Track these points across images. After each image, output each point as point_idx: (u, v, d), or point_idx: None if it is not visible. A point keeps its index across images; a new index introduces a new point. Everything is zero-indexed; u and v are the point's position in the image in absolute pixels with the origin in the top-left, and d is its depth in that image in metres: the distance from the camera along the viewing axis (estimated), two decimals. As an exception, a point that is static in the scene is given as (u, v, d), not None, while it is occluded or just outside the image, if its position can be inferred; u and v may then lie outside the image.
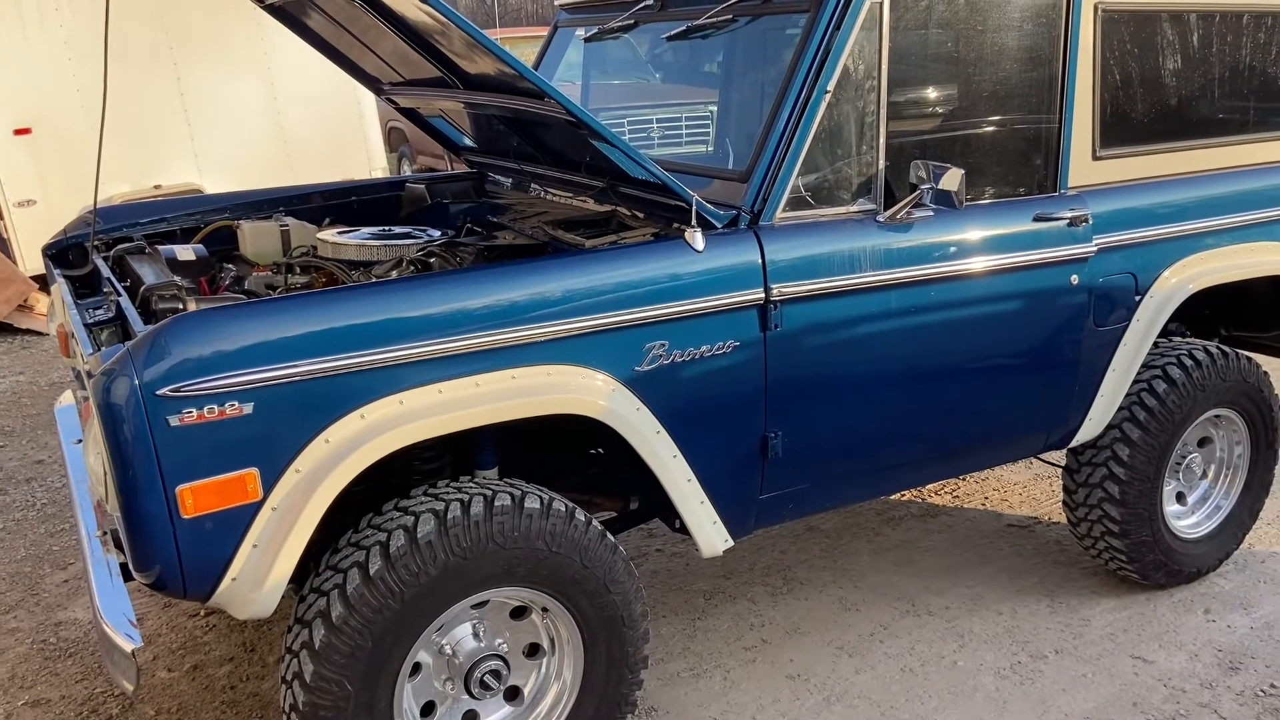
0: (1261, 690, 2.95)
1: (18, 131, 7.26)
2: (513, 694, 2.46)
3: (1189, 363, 3.19)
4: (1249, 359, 3.35)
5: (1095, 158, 2.99)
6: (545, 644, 2.46)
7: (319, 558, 2.25)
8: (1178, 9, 3.11)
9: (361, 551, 2.17)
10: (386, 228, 3.09)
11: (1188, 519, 3.47)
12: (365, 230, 3.06)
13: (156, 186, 7.66)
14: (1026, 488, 4.23)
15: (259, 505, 2.07)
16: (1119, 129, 3.04)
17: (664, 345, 2.39)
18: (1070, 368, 3.02)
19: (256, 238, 3.08)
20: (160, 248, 2.97)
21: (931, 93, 2.81)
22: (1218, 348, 3.28)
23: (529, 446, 2.68)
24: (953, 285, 2.74)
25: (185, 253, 2.94)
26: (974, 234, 2.76)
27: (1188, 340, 3.33)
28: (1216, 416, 3.39)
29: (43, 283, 6.97)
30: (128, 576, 2.18)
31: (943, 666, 3.08)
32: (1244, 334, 3.76)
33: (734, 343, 2.47)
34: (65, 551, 3.91)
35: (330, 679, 2.13)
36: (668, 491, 2.46)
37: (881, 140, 2.62)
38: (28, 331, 7.10)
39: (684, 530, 2.56)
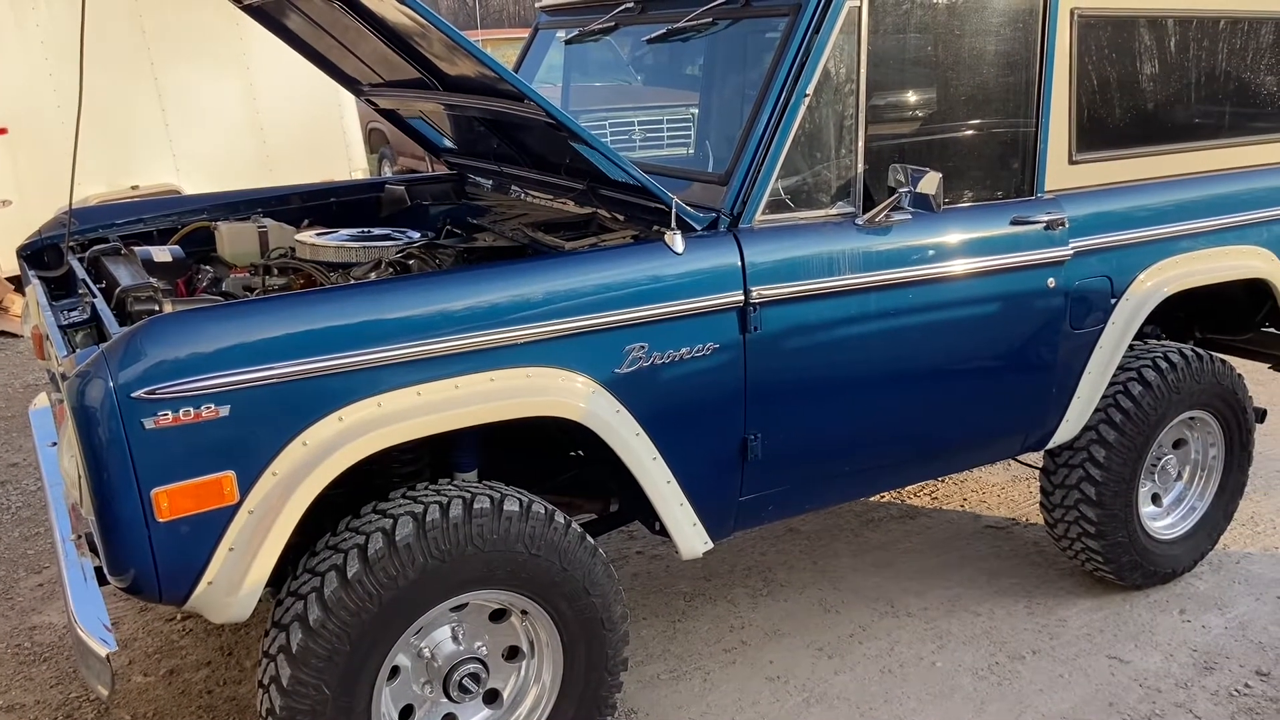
0: (1236, 690, 2.98)
1: (-6, 131, 7.19)
2: (492, 697, 2.45)
3: (1164, 365, 3.22)
4: (1223, 362, 3.39)
5: (1071, 162, 3.02)
6: (525, 647, 2.46)
7: (296, 561, 2.24)
8: (1153, 14, 3.14)
9: (339, 555, 2.16)
10: (366, 229, 3.08)
11: (1163, 520, 3.50)
12: (344, 232, 3.05)
13: (134, 187, 7.59)
14: (1005, 489, 4.25)
15: (235, 508, 2.06)
16: (1095, 133, 3.07)
17: (643, 347, 2.39)
18: (1047, 370, 3.05)
19: (234, 239, 3.06)
20: (136, 249, 2.94)
21: (910, 96, 2.83)
22: (1192, 350, 3.32)
23: (509, 449, 2.67)
24: (931, 288, 2.75)
25: (162, 254, 2.91)
26: (952, 237, 2.78)
27: (1163, 343, 3.36)
28: (1191, 419, 3.42)
29: (17, 284, 6.93)
30: (103, 580, 2.16)
31: (921, 667, 3.09)
32: (1218, 337, 3.80)
33: (713, 345, 2.47)
34: (40, 555, 3.87)
35: (308, 683, 2.12)
36: (647, 494, 2.46)
37: (860, 144, 2.64)
38: (2, 333, 7.03)
39: (664, 532, 2.56)
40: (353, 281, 2.63)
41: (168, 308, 2.41)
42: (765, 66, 2.58)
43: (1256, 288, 3.47)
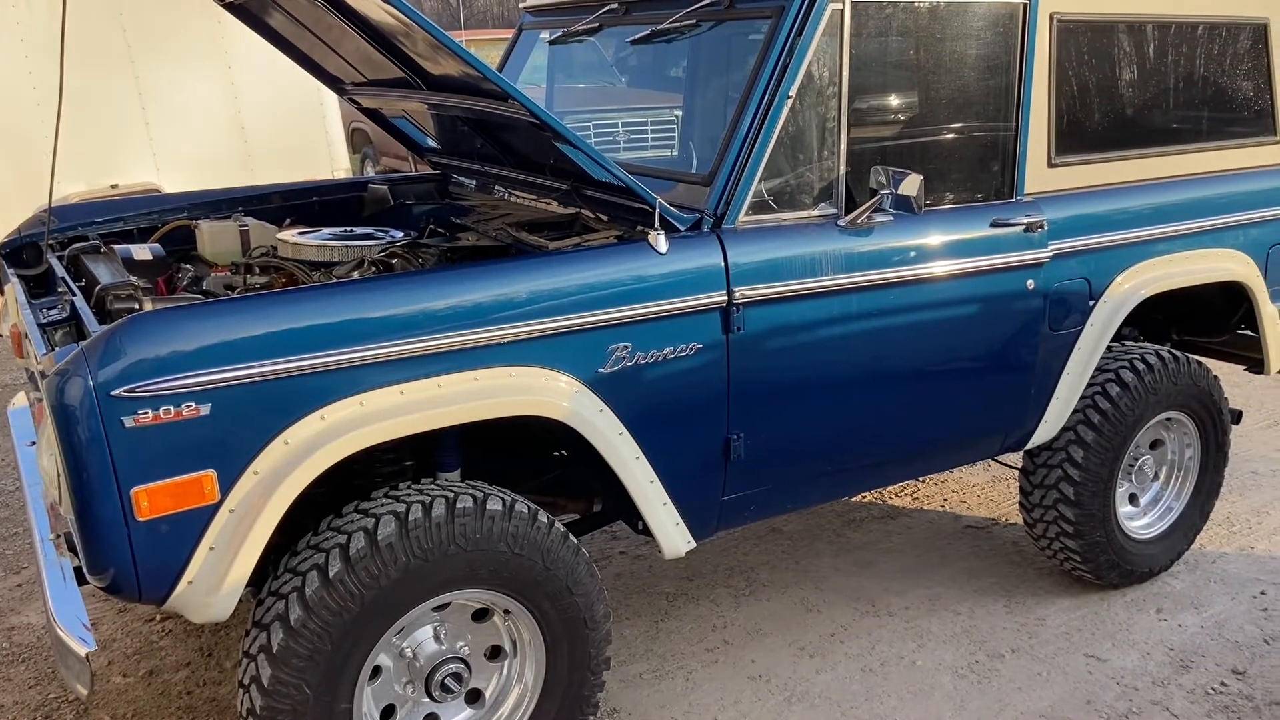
0: (1211, 688, 3.01)
1: (-28, 130, 7.12)
2: (474, 697, 2.45)
3: (1141, 367, 3.26)
4: (1199, 363, 3.43)
5: (1051, 165, 3.04)
6: (507, 646, 2.46)
7: (278, 561, 2.23)
8: (1132, 19, 3.17)
9: (321, 554, 2.16)
10: (348, 228, 3.07)
11: (1140, 520, 3.54)
12: (326, 231, 3.04)
13: (114, 186, 7.53)
14: (985, 490, 4.28)
15: (216, 507, 2.05)
16: (1074, 137, 3.10)
17: (627, 347, 2.40)
18: (1026, 371, 3.07)
19: (215, 238, 3.04)
20: (116, 247, 2.93)
21: (892, 99, 2.85)
22: (1169, 352, 3.35)
23: (492, 449, 2.67)
24: (912, 289, 2.77)
25: (142, 252, 2.90)
26: (933, 239, 2.80)
27: (1140, 345, 3.40)
28: (1168, 419, 3.46)
29: (-5, 282, 6.85)
30: (82, 580, 2.15)
31: (902, 666, 3.11)
32: (1195, 339, 3.85)
33: (697, 345, 2.48)
34: (18, 555, 3.84)
35: (288, 683, 2.12)
36: (631, 493, 2.46)
37: (843, 146, 2.65)
38: (-21, 332, 6.96)
39: (647, 532, 2.57)
40: (335, 280, 2.62)
41: (148, 306, 2.39)
42: (749, 68, 2.59)
43: (1232, 291, 3.52)
